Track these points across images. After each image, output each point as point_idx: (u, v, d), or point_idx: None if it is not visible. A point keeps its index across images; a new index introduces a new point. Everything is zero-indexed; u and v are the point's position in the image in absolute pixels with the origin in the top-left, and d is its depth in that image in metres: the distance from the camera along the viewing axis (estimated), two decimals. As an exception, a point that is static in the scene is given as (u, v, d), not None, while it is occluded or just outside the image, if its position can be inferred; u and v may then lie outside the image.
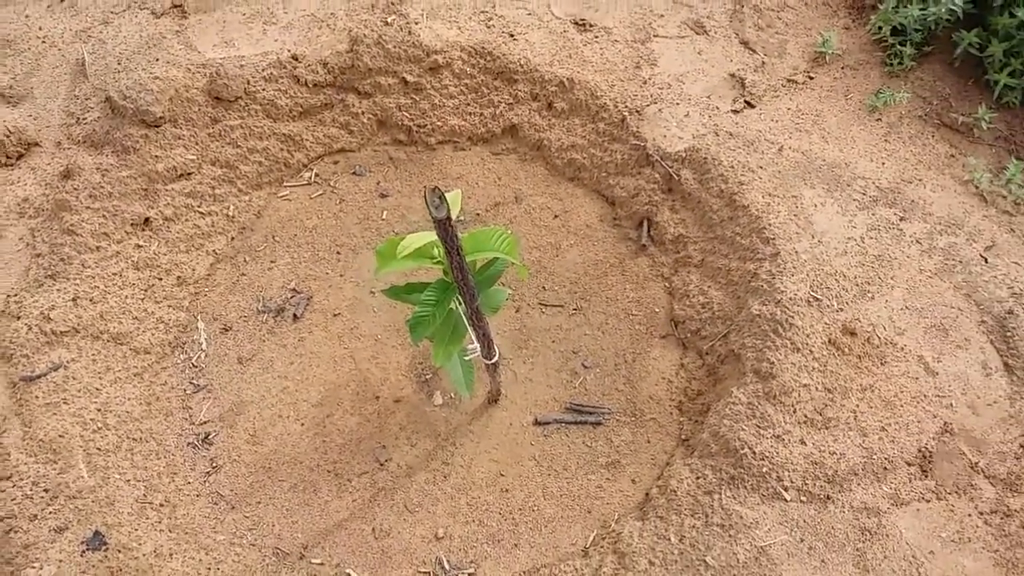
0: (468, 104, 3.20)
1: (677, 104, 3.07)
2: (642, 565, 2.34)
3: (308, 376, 2.82)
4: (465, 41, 3.17)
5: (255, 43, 3.22)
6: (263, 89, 3.12)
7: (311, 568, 2.52)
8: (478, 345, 2.29)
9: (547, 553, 2.53)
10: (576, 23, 3.27)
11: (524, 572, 2.50)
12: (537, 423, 2.74)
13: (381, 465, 2.70)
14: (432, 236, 1.88)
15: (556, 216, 3.13)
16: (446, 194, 1.74)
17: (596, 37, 3.24)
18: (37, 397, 2.61)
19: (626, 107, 3.03)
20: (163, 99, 2.98)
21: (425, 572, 2.52)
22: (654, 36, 3.28)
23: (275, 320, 2.95)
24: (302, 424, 2.76)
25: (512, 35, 3.20)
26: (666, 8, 3.34)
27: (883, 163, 2.99)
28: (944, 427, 2.50)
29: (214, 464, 2.70)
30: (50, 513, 2.38)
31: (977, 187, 2.92)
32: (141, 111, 2.96)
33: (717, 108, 3.09)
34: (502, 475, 2.67)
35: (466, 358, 2.33)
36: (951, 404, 2.53)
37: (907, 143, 3.05)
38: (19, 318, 2.70)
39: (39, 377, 2.62)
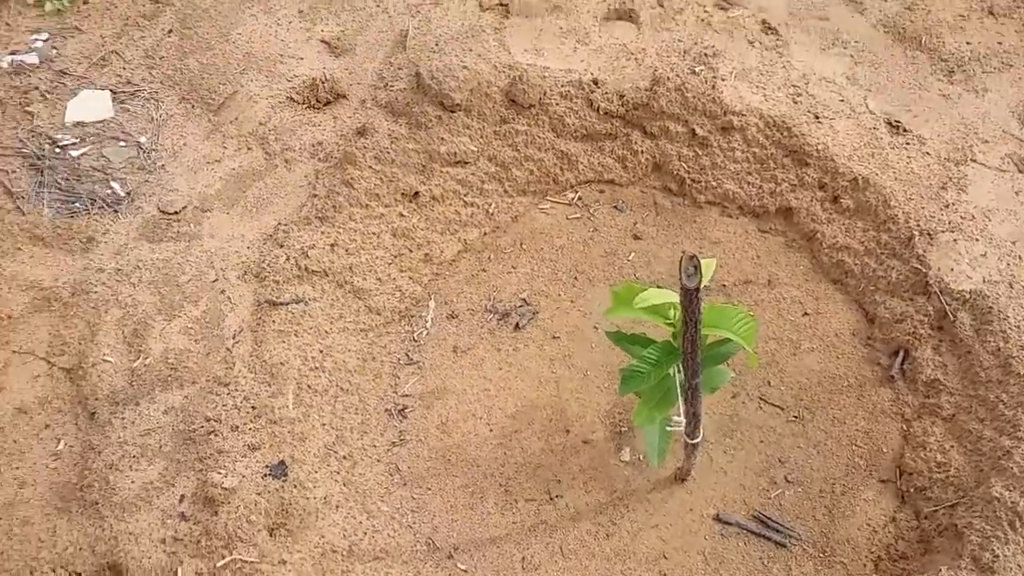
0: (750, 173, 3.39)
1: (976, 240, 3.09)
2: None
3: (511, 387, 3.12)
4: (767, 110, 3.37)
5: (563, 58, 3.60)
6: (556, 103, 3.48)
7: (455, 571, 2.81)
8: (684, 420, 2.47)
9: None
10: (889, 123, 3.37)
11: None
12: (718, 519, 2.87)
13: (551, 499, 2.95)
14: (673, 297, 2.08)
15: (806, 314, 3.24)
16: (702, 261, 1.94)
17: (907, 143, 3.32)
18: (274, 321, 3.09)
19: (918, 226, 3.09)
20: (465, 88, 3.42)
21: None
22: (971, 160, 3.31)
23: (498, 323, 3.29)
24: (491, 430, 3.07)
25: (817, 117, 3.36)
26: (993, 135, 3.35)
27: None
28: None
29: (402, 437, 3.07)
30: (250, 429, 2.82)
31: None
32: (443, 94, 3.41)
33: (1020, 258, 3.09)
34: (665, 557, 2.83)
35: (668, 428, 2.51)
36: None
37: None
38: (282, 246, 3.22)
39: (281, 304, 3.10)
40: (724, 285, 3.25)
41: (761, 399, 3.05)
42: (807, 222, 3.28)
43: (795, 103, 3.38)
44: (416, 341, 3.20)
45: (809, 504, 2.85)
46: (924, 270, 3.00)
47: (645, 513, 2.84)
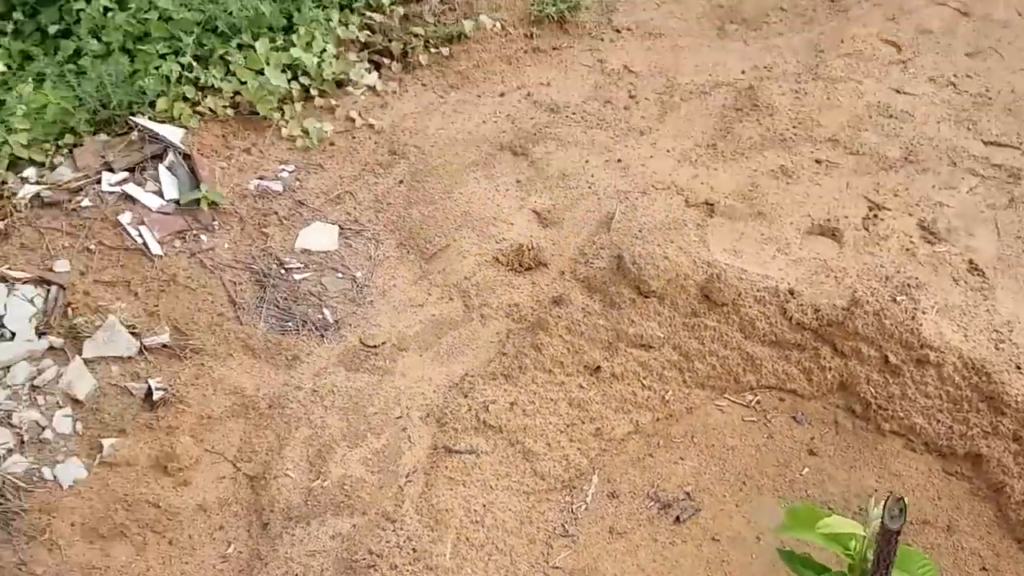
0: (941, 411, 3.39)
1: None
2: None
3: None
4: (967, 351, 3.39)
5: (761, 264, 3.78)
6: (749, 306, 3.64)
7: None
8: None
9: None
10: None
11: None
12: None
13: None
14: (858, 528, 2.12)
15: (984, 569, 3.15)
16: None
17: None
18: (447, 467, 3.29)
19: None
20: (663, 278, 3.64)
21: None
22: None
23: (659, 512, 3.36)
24: None
25: (1019, 367, 3.36)
26: None
27: None
28: None
29: None
30: (408, 571, 2.97)
31: None
32: (640, 279, 3.64)
33: None
34: None
35: None
36: None
37: None
38: (465, 396, 3.45)
39: (456, 452, 3.31)
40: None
41: None
42: (997, 472, 3.25)
43: (997, 349, 3.41)
44: (574, 514, 3.31)
45: None
46: None
47: None
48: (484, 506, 3.19)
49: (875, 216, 3.99)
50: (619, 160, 4.35)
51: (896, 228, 3.88)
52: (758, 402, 3.60)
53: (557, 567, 3.18)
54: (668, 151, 4.39)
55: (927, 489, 3.28)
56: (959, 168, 4.13)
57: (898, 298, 3.50)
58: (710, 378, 3.60)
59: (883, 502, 1.91)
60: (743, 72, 4.78)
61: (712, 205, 4.04)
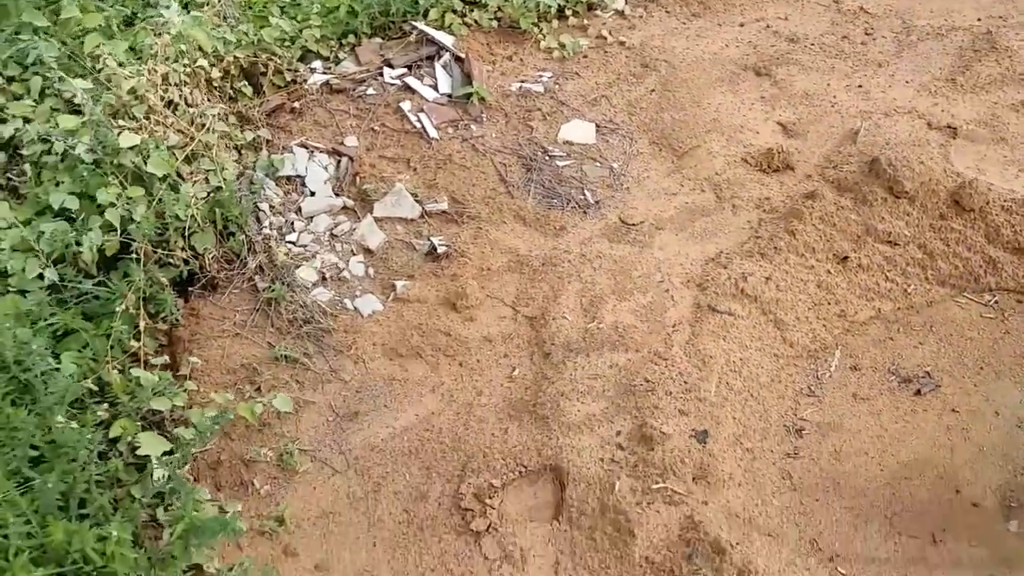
0: None
1: None
2: None
3: (905, 440, 3.63)
4: None
5: (1006, 180, 4.18)
6: (996, 214, 4.04)
7: (835, 572, 3.30)
8: None
9: None
10: None
11: None
12: None
13: (934, 542, 3.31)
14: None
15: None
16: None
17: None
18: (709, 323, 3.82)
19: None
20: (917, 180, 4.08)
21: None
22: None
23: (899, 385, 3.79)
24: (881, 469, 3.53)
25: None
26: None
27: None
28: None
29: (796, 452, 3.63)
30: (680, 398, 3.50)
31: None
32: (895, 180, 4.09)
33: None
34: None
35: None
36: None
37: None
38: (724, 268, 3.97)
39: (718, 312, 3.86)
40: None
41: None
42: None
43: None
44: (819, 379, 3.80)
45: None
46: None
47: None
48: (741, 360, 3.70)
49: None
50: (859, 86, 4.82)
51: None
52: (996, 302, 4.01)
53: (804, 419, 3.68)
54: (907, 82, 4.83)
55: None
56: None
57: None
58: (951, 276, 4.02)
59: None
60: (979, 19, 5.18)
61: (954, 129, 4.46)
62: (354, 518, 3.31)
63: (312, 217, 4.38)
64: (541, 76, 4.87)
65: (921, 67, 4.79)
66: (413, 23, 4.96)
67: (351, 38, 5.05)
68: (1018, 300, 3.91)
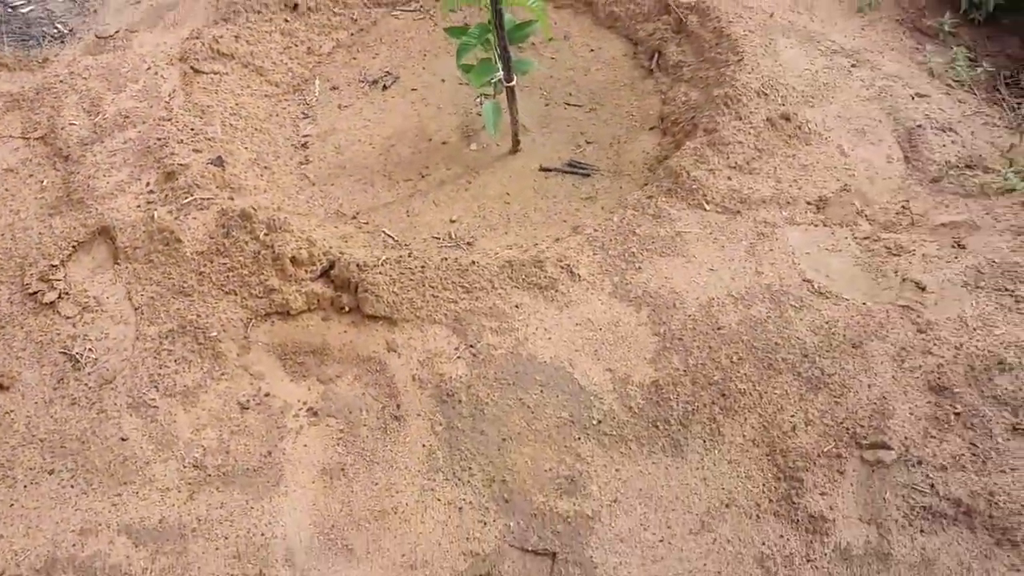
0: None
1: None
2: (588, 231, 3.86)
3: (384, 121, 4.37)
4: None
5: None
6: None
7: (359, 225, 4.20)
8: (501, 68, 3.95)
9: (528, 239, 4.10)
10: None
11: (509, 246, 4.09)
12: (542, 169, 4.34)
13: (422, 176, 4.35)
14: None
15: (592, 50, 4.80)
16: None
17: None
18: (199, 83, 4.39)
19: None
20: None
21: (437, 237, 4.12)
22: None
23: (370, 87, 4.71)
24: (372, 147, 4.46)
25: None
26: None
27: (854, 39, 4.27)
28: (844, 187, 3.92)
29: (307, 158, 4.43)
30: (191, 141, 3.91)
31: (929, 67, 4.11)
32: None
33: None
34: (507, 194, 4.26)
35: (494, 80, 3.74)
36: (854, 175, 3.94)
37: (880, 33, 4.42)
38: (198, 38, 4.59)
39: (203, 73, 4.50)
40: (534, 44, 4.74)
41: (566, 103, 4.54)
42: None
43: None
44: (308, 104, 4.58)
45: (603, 152, 4.30)
46: None
47: (490, 173, 4.24)
48: (237, 105, 4.32)
49: None
50: None
51: None
52: (421, 6, 4.99)
53: (307, 134, 4.42)
54: None
55: (549, 15, 4.72)
56: None
57: None
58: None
59: None
60: None
61: None
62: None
63: None
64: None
65: None
66: None
67: None
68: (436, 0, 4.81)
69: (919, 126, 3.67)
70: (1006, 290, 3.03)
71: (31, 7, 4.43)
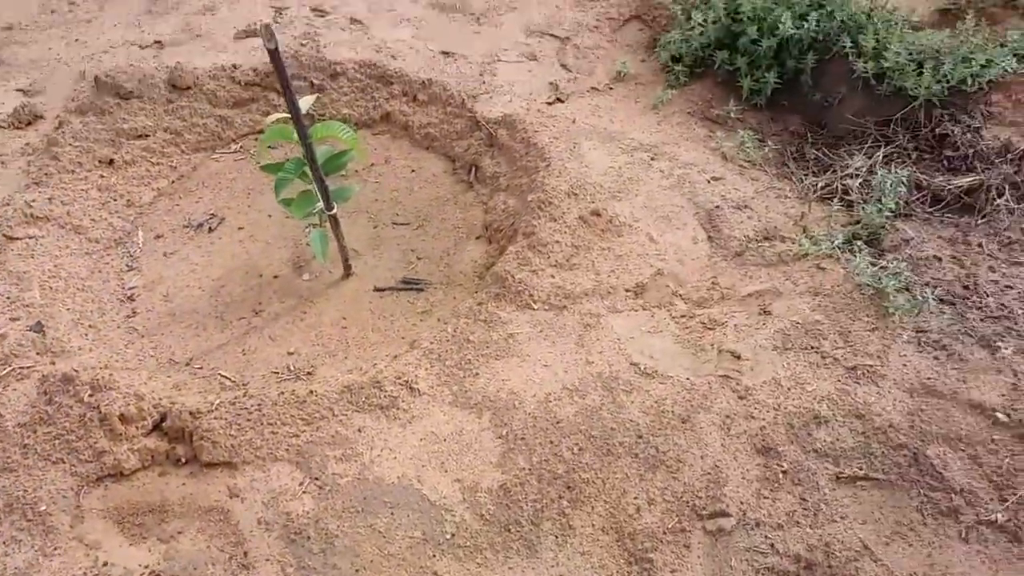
0: (357, 99, 5.20)
1: (505, 95, 4.97)
2: (425, 345, 3.95)
3: (213, 263, 4.40)
4: (359, 59, 5.17)
5: (207, 58, 5.29)
6: (208, 84, 5.15)
7: (193, 370, 4.16)
8: (320, 200, 4.06)
9: (367, 361, 4.15)
10: (443, 52, 5.27)
11: (349, 370, 4.12)
12: (376, 289, 4.43)
13: (256, 313, 4.37)
14: (286, 115, 3.47)
15: (413, 170, 4.98)
16: (301, 99, 3.50)
17: (456, 60, 5.13)
18: (13, 250, 4.36)
19: (467, 94, 4.83)
20: (134, 81, 5.01)
21: (276, 372, 4.13)
22: (498, 60, 5.35)
23: (195, 231, 4.72)
24: (202, 290, 4.45)
25: (394, 57, 5.21)
26: (511, 45, 5.41)
27: (651, 134, 4.66)
28: (657, 271, 4.15)
29: (134, 311, 4.36)
30: (9, 310, 3.79)
31: (721, 151, 4.44)
32: (118, 86, 4.97)
33: (535, 100, 5.07)
34: (344, 319, 4.31)
35: (314, 210, 3.84)
36: (665, 259, 4.18)
37: (674, 126, 4.81)
38: (8, 205, 4.51)
39: (16, 239, 4.42)
40: (357, 171, 4.89)
41: (394, 223, 4.67)
42: (400, 117, 5.09)
43: (378, 52, 5.27)
44: (132, 256, 4.53)
45: (435, 266, 4.42)
46: (474, 115, 4.87)
47: (325, 301, 4.28)
48: (56, 266, 4.20)
49: (280, 14, 5.66)
50: (76, 39, 5.51)
51: (297, 16, 5.59)
52: (240, 147, 5.08)
53: (133, 287, 4.36)
54: (114, 25, 5.63)
55: (368, 142, 4.98)
56: None
57: (303, 43, 5.18)
58: (200, 142, 4.98)
59: (260, 30, 3.35)
60: None
61: (160, 42, 5.41)
62: None
63: None
64: None
65: (122, 12, 5.57)
66: None
67: None
68: (254, 140, 4.91)
69: (718, 207, 3.91)
70: (812, 348, 3.22)
71: None
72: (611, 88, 4.74)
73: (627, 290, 3.69)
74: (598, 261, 3.75)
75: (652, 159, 4.22)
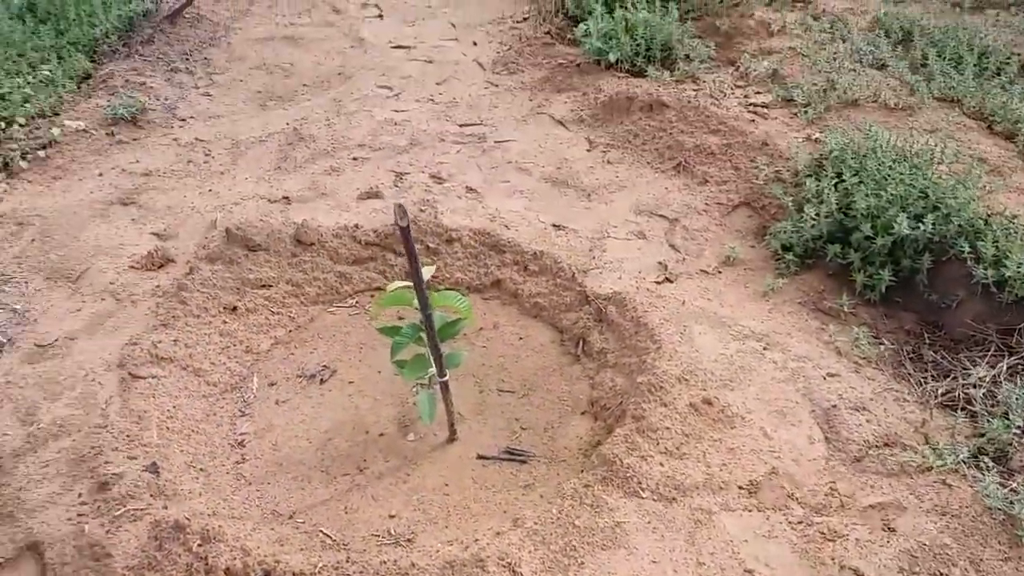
0: (468, 264, 5.41)
1: (614, 272, 4.93)
2: (529, 525, 3.95)
3: (322, 415, 4.45)
4: (474, 226, 5.33)
5: (332, 219, 5.59)
6: (330, 242, 5.43)
7: (296, 524, 4.22)
8: (434, 366, 4.20)
9: (468, 533, 4.16)
10: (554, 225, 5.41)
11: (449, 541, 4.13)
12: (480, 457, 4.49)
13: (360, 471, 4.44)
14: (408, 283, 3.69)
15: (521, 338, 5.10)
16: (423, 265, 3.63)
17: (566, 233, 5.33)
18: (136, 388, 4.54)
19: (577, 269, 4.92)
20: (263, 234, 5.30)
21: (376, 535, 4.16)
22: (607, 236, 5.55)
23: (307, 382, 4.88)
24: (310, 442, 4.56)
25: (507, 227, 5.45)
26: (618, 223, 5.53)
27: (762, 322, 4.60)
28: (772, 469, 4.13)
29: (243, 457, 4.48)
30: (126, 448, 3.89)
31: (835, 345, 4.41)
32: (247, 239, 5.27)
33: (644, 278, 5.21)
34: (446, 484, 4.35)
35: (426, 386, 3.90)
36: (780, 457, 4.16)
37: (786, 316, 4.80)
38: (135, 344, 4.75)
39: (140, 378, 4.62)
40: (465, 334, 5.03)
41: (499, 390, 4.76)
42: (511, 286, 5.27)
43: (492, 222, 5.52)
44: (246, 402, 4.70)
45: (538, 438, 4.47)
46: (584, 290, 5.02)
47: (430, 464, 4.33)
48: (174, 407, 4.38)
49: (400, 179, 6.01)
50: (210, 190, 5.93)
51: (416, 181, 5.94)
52: (356, 302, 5.31)
53: (244, 433, 4.51)
54: (246, 178, 6.07)
55: (478, 306, 5.11)
56: (446, 142, 6.33)
57: (422, 208, 5.47)
58: (319, 295, 5.20)
59: (394, 209, 3.59)
60: (287, 123, 6.71)
61: (288, 197, 5.79)
62: None
63: None
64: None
65: (254, 167, 5.96)
66: None
67: None
68: (370, 296, 5.10)
69: (834, 406, 3.85)
70: (940, 574, 3.07)
71: (-30, 319, 4.43)
72: (720, 272, 4.79)
73: (740, 487, 3.60)
74: (709, 452, 3.68)
75: (764, 349, 4.20)
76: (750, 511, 3.49)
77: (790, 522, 3.44)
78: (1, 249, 5.15)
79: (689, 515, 3.45)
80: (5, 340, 4.45)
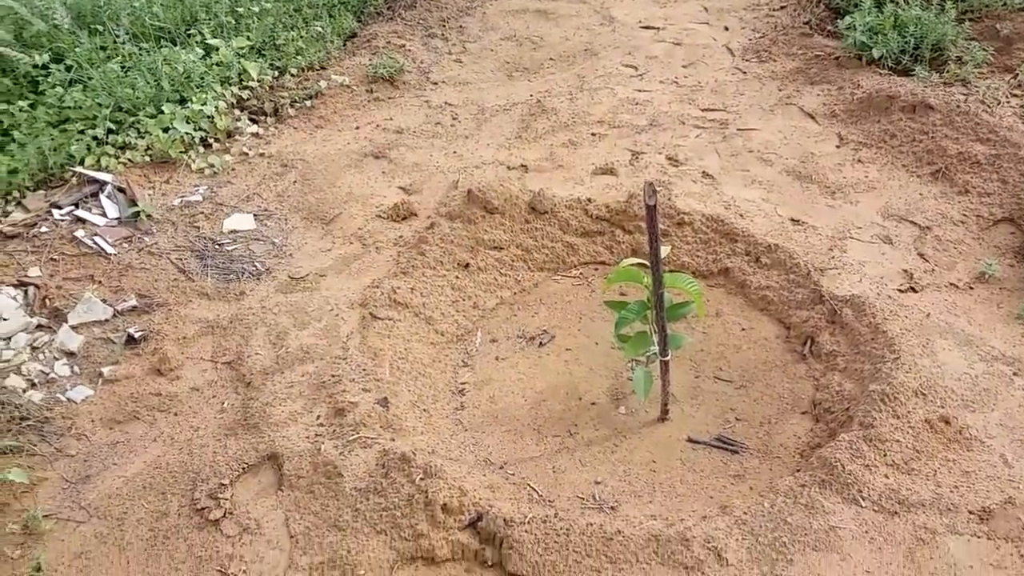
0: (698, 251, 5.38)
1: (854, 274, 4.70)
2: (738, 514, 3.91)
3: (538, 376, 4.52)
4: (706, 212, 5.31)
5: (566, 190, 5.71)
6: (563, 212, 5.53)
7: (506, 475, 4.37)
8: (658, 346, 4.21)
9: (673, 511, 4.17)
10: (792, 219, 5.24)
11: (652, 516, 4.16)
12: (690, 440, 4.47)
13: (570, 434, 4.54)
14: (643, 263, 3.73)
15: (743, 330, 5.02)
16: (661, 246, 3.54)
17: (804, 229, 5.09)
18: (375, 327, 4.83)
19: (813, 267, 4.74)
20: (500, 199, 5.48)
21: (581, 498, 4.24)
22: (849, 237, 5.34)
23: (527, 343, 5.03)
24: (524, 400, 4.70)
25: (742, 215, 5.36)
26: (864, 224, 5.21)
27: (1015, 346, 4.23)
28: (1008, 499, 3.87)
29: (462, 405, 4.69)
30: (362, 380, 4.19)
31: None
32: (486, 201, 5.46)
33: (886, 284, 5.00)
34: (654, 461, 4.37)
35: (647, 352, 3.92)
36: (1019, 488, 3.92)
37: None
38: (377, 288, 5.04)
39: (379, 319, 4.93)
40: (687, 319, 4.98)
41: (716, 377, 4.74)
42: (739, 276, 5.20)
43: (726, 209, 5.46)
44: (469, 354, 4.92)
45: (753, 431, 4.41)
46: (819, 289, 4.89)
47: (638, 439, 4.39)
48: (405, 349, 4.69)
49: (636, 158, 6.06)
50: (455, 152, 6.22)
51: (652, 162, 5.97)
52: (580, 273, 5.42)
53: (464, 382, 4.73)
54: (488, 144, 6.31)
55: (708, 296, 5.02)
56: (686, 125, 6.28)
57: (656, 188, 5.50)
58: (546, 262, 5.34)
59: (644, 186, 3.64)
60: (530, 95, 6.88)
61: (525, 166, 5.98)
62: (105, 550, 3.59)
63: (10, 337, 4.61)
64: (198, 189, 5.67)
65: (496, 133, 6.22)
66: (72, 169, 5.58)
67: (16, 194, 5.51)
68: (595, 268, 5.21)
69: (1090, 444, 3.51)
70: None
71: (236, 246, 4.95)
72: (972, 288, 4.47)
73: (971, 511, 3.37)
74: (940, 472, 3.47)
75: (1014, 374, 3.90)
76: (979, 537, 3.29)
77: (1022, 555, 3.19)
78: (267, 186, 5.61)
79: (912, 531, 3.29)
80: (263, 269, 4.87)
